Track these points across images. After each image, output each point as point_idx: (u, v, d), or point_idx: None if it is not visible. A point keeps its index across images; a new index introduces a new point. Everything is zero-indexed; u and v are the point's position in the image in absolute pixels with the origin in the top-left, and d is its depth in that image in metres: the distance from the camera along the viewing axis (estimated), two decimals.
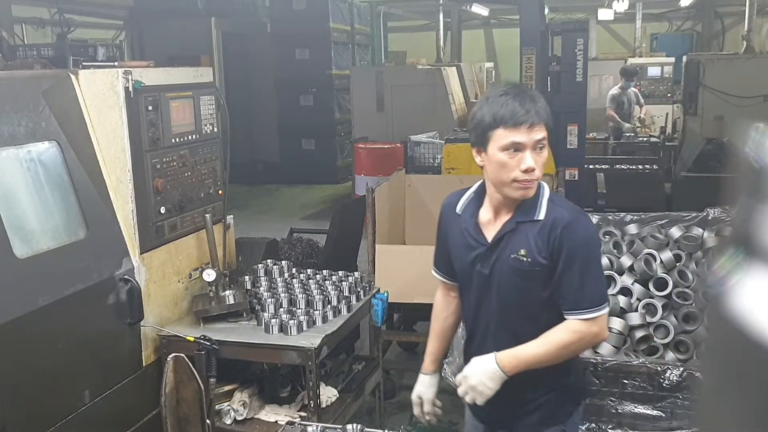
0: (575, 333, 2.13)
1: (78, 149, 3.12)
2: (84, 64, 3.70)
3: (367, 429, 2.38)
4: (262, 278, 4.01)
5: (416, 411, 2.51)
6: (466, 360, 2.34)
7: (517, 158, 2.09)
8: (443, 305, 2.55)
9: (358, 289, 3.91)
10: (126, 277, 3.19)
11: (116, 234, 3.23)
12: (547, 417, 2.27)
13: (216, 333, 3.40)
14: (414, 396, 2.51)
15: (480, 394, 2.17)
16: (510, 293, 2.24)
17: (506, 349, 2.18)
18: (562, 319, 2.15)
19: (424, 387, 2.50)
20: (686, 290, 3.10)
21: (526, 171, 2.09)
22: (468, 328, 2.46)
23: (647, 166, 7.98)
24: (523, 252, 2.17)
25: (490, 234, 2.26)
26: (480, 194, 2.32)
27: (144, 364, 3.32)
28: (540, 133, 2.10)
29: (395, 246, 4.85)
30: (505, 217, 2.24)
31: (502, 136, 2.09)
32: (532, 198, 2.18)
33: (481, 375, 2.16)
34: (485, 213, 2.29)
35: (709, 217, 3.38)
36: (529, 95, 2.17)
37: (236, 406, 3.43)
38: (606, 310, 2.17)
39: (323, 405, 3.54)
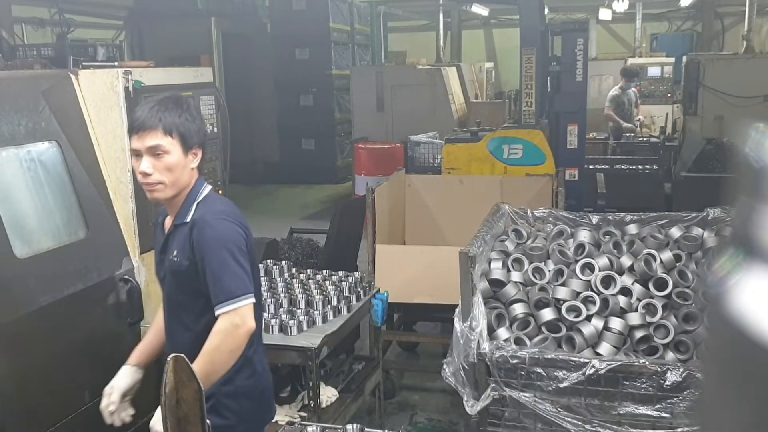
0: (218, 333, 2.19)
1: (78, 149, 3.12)
2: (84, 64, 3.70)
3: (367, 429, 2.38)
4: (262, 278, 4.01)
5: (103, 402, 2.40)
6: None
7: (139, 163, 2.23)
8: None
9: (358, 289, 3.91)
10: (126, 277, 3.19)
11: (116, 234, 3.23)
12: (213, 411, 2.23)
13: None
14: (107, 386, 2.41)
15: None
16: (173, 295, 2.37)
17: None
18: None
19: (118, 377, 2.43)
20: (686, 290, 3.10)
21: (142, 174, 2.23)
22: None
23: (647, 166, 7.97)
24: (175, 253, 2.30)
25: None
26: None
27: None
28: (152, 140, 2.20)
29: (395, 246, 4.85)
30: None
31: (131, 143, 2.27)
32: (187, 201, 2.31)
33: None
34: (168, 218, 2.42)
35: (709, 217, 3.37)
36: (166, 104, 2.25)
37: None
38: (245, 302, 2.20)
39: (323, 405, 3.54)
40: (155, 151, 2.21)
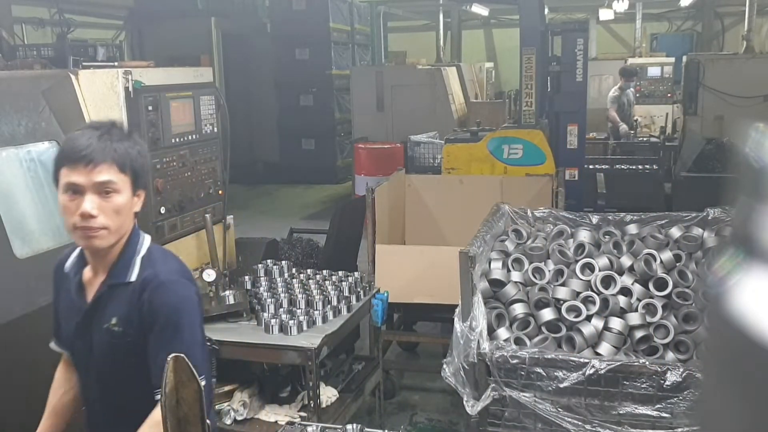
0: (157, 425, 1.70)
1: None
2: (84, 64, 3.70)
3: (367, 429, 2.38)
4: (262, 278, 4.01)
5: None
6: None
7: (76, 202, 1.81)
8: (63, 379, 2.15)
9: (358, 289, 3.91)
10: None
11: None
12: None
13: (216, 333, 3.40)
14: None
15: None
16: (108, 370, 1.94)
17: None
18: None
19: None
20: (686, 290, 3.10)
21: (82, 216, 1.79)
22: (84, 405, 2.11)
23: (647, 166, 7.98)
24: (114, 321, 1.89)
25: (91, 296, 1.96)
26: None
27: None
28: (103, 175, 1.80)
29: (395, 246, 4.85)
30: (102, 277, 1.94)
31: (63, 176, 1.82)
32: (126, 255, 1.91)
33: None
34: (89, 270, 1.98)
35: (709, 217, 3.38)
36: (117, 134, 1.86)
37: (236, 406, 3.43)
38: (200, 382, 1.71)
39: (323, 405, 3.54)
40: (104, 189, 1.80)
